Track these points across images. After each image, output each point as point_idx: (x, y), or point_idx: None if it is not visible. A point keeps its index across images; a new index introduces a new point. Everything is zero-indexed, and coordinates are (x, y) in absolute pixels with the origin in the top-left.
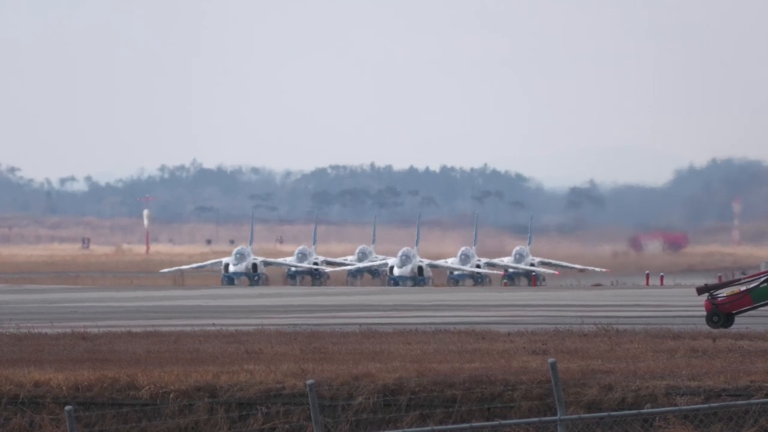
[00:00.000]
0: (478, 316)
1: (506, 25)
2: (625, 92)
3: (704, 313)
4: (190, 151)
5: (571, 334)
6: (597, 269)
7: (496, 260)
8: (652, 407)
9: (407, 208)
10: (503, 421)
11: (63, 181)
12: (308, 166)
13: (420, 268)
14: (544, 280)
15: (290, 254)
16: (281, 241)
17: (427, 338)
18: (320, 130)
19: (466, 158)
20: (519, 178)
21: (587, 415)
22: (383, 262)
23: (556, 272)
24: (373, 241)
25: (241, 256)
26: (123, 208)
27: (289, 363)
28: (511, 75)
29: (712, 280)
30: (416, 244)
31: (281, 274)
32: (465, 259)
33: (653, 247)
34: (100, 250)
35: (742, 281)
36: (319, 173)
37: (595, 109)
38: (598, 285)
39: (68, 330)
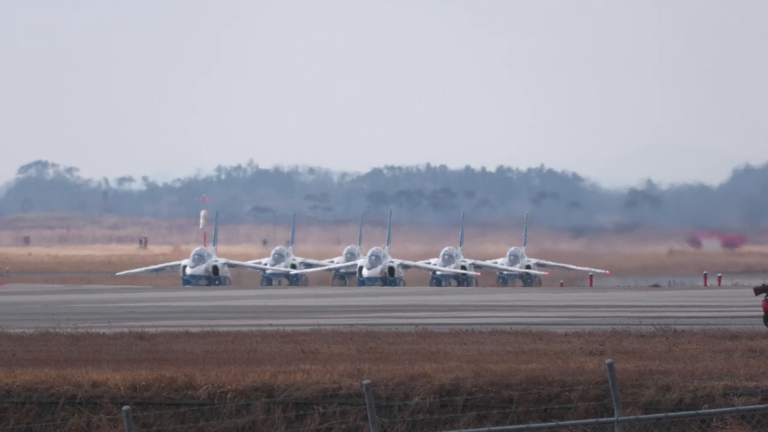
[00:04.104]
0: (535, 317)
1: (563, 25)
2: (683, 91)
3: (762, 313)
4: (246, 152)
5: (629, 334)
6: (598, 270)
7: (489, 262)
8: (710, 408)
9: (463, 210)
10: (560, 422)
11: (120, 180)
12: (364, 166)
13: (391, 269)
14: (539, 281)
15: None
16: (338, 243)
17: (483, 339)
18: (376, 130)
19: (522, 158)
20: (575, 177)
21: (644, 416)
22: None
23: (547, 273)
24: (360, 242)
25: (199, 258)
26: (180, 208)
27: (345, 363)
28: (568, 75)
29: None
30: (387, 244)
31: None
32: (449, 259)
33: (710, 246)
34: (157, 249)
35: None
36: (375, 174)
37: (652, 108)
38: (655, 286)
39: (126, 330)
